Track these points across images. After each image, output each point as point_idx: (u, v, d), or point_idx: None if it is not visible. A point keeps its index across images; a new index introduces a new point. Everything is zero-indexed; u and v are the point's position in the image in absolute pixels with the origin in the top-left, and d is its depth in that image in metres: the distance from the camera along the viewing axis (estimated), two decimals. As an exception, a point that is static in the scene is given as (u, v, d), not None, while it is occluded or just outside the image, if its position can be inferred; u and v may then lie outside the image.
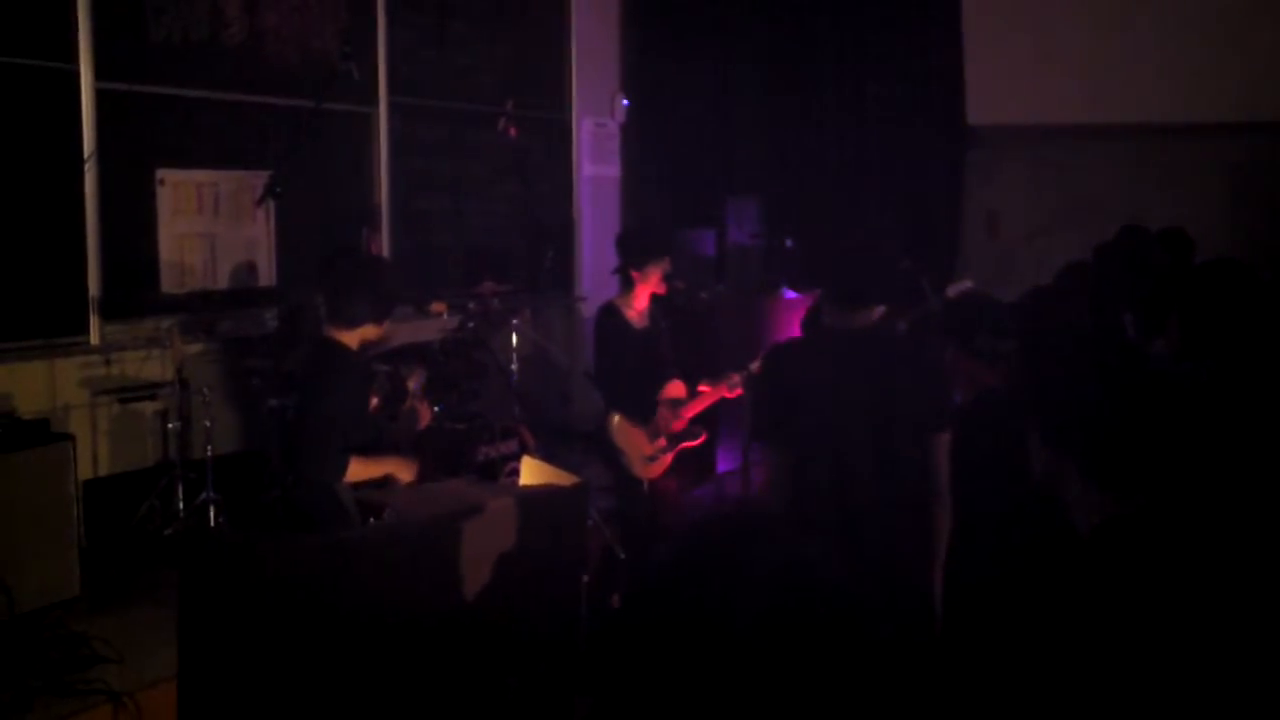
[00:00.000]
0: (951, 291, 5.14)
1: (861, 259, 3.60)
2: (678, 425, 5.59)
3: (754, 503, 3.55)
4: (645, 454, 5.48)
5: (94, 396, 6.25)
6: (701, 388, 5.68)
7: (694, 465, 6.40)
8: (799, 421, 3.45)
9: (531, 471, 4.49)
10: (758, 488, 3.56)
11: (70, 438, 5.49)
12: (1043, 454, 2.41)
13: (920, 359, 3.66)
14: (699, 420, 5.70)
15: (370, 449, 4.57)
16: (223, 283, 6.83)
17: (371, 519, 4.37)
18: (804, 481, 3.43)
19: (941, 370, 3.66)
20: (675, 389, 5.63)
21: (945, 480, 3.46)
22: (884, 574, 3.26)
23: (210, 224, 6.77)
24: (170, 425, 6.35)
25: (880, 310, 3.58)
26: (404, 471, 4.58)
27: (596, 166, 9.64)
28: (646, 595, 1.31)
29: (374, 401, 4.82)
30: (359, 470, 4.43)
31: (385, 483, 4.55)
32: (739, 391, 5.68)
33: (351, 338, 4.49)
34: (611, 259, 5.75)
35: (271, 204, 6.35)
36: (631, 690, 1.26)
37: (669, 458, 5.56)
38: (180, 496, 6.13)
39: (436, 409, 6.41)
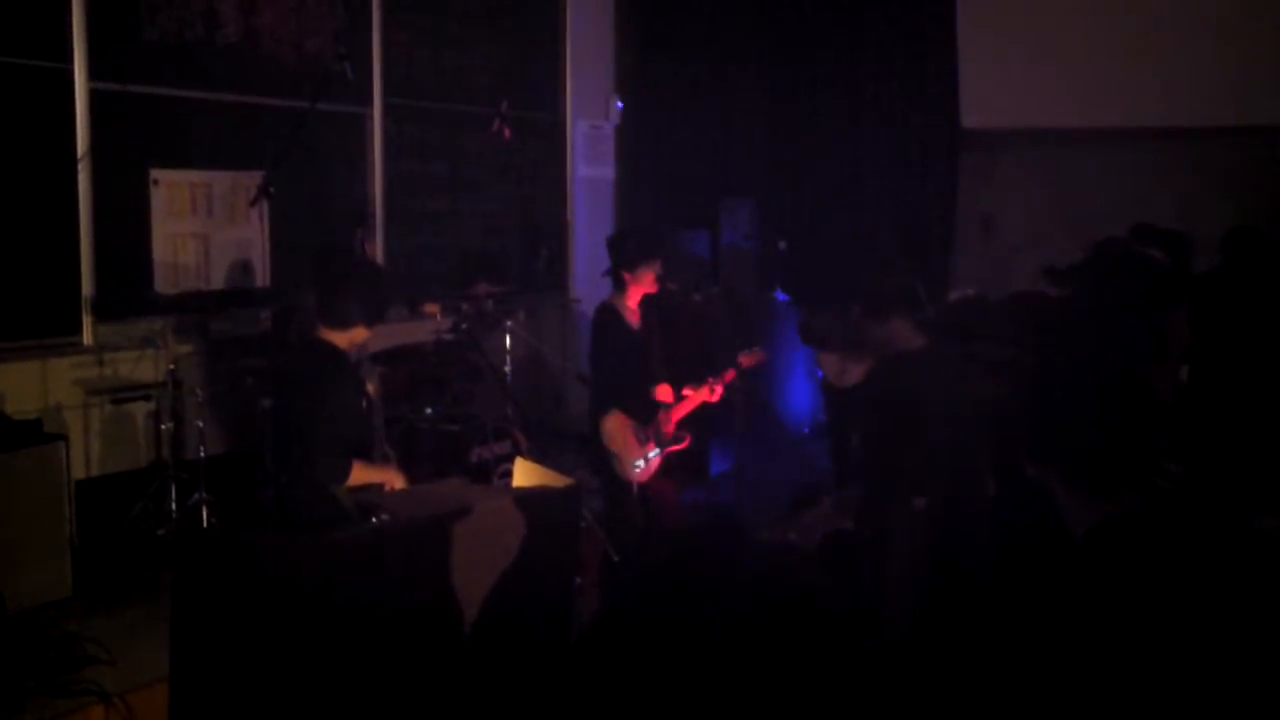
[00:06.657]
0: (953, 299, 5.12)
1: (890, 261, 3.47)
2: (665, 430, 5.58)
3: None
4: (633, 459, 5.48)
5: (87, 397, 6.24)
6: (685, 391, 5.67)
7: (687, 468, 6.39)
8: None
9: (524, 473, 4.49)
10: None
11: (63, 438, 5.49)
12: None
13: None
14: (685, 424, 5.70)
15: (364, 449, 4.58)
16: (216, 283, 6.82)
17: (371, 520, 4.37)
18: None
19: None
20: (663, 393, 5.63)
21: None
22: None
23: (204, 224, 6.76)
24: (163, 426, 6.35)
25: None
26: (397, 481, 4.59)
27: (591, 168, 9.64)
28: (630, 602, 1.31)
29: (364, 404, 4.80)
30: (358, 474, 4.44)
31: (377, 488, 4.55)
32: (720, 395, 5.67)
33: (342, 339, 4.50)
34: (605, 261, 5.75)
35: (265, 204, 6.33)
36: (619, 694, 1.26)
37: (656, 462, 5.56)
38: (173, 497, 6.12)
39: (429, 410, 6.41)
